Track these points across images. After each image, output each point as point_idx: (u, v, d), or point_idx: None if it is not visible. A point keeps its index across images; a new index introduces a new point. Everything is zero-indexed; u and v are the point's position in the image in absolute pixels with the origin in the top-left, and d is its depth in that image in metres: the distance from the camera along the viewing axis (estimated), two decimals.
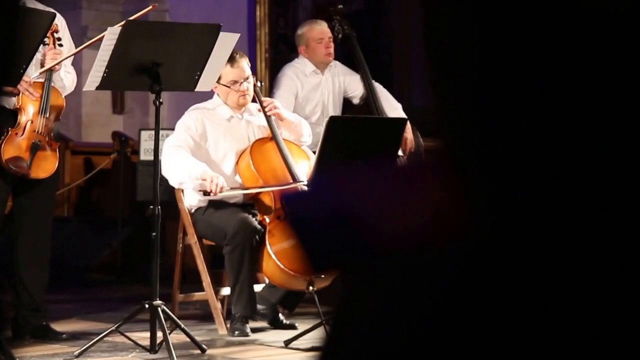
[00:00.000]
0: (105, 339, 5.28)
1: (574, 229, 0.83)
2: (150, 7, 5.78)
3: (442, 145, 0.93)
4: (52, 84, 5.64)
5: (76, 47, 5.82)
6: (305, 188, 5.81)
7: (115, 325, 5.25)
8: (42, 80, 5.62)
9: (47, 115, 5.61)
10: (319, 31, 6.90)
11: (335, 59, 7.01)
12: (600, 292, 0.84)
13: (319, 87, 6.95)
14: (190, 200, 6.07)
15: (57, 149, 5.72)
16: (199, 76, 5.48)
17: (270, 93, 7.09)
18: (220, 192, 5.71)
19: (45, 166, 5.63)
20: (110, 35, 5.18)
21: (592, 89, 0.83)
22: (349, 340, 0.89)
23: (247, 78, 6.06)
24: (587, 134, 0.83)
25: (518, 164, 0.84)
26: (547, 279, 0.84)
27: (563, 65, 0.83)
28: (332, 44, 6.90)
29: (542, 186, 0.84)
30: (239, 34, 5.70)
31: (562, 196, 0.83)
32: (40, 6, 5.62)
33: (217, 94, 6.11)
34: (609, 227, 0.83)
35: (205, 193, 5.71)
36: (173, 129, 7.96)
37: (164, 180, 5.97)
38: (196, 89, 5.55)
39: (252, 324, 5.96)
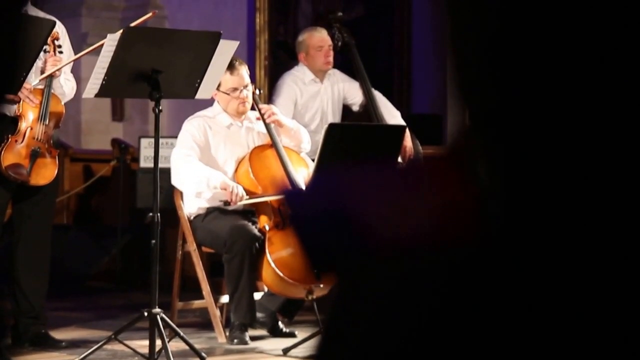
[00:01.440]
0: (104, 347, 5.27)
1: (589, 235, 0.83)
2: (150, 14, 5.78)
3: (454, 148, 0.92)
4: (52, 91, 5.64)
5: (76, 54, 5.82)
6: None
7: (114, 333, 5.25)
8: (42, 87, 5.62)
9: (47, 122, 5.62)
10: (319, 39, 6.91)
11: (335, 66, 7.01)
12: (617, 300, 0.83)
13: (318, 94, 6.96)
14: (190, 208, 6.07)
15: (57, 156, 5.72)
16: (199, 83, 5.47)
17: (269, 101, 7.10)
18: (240, 201, 5.74)
19: (45, 173, 5.63)
20: (110, 42, 5.18)
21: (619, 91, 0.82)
22: (344, 343, 0.88)
23: (247, 85, 6.07)
24: (611, 143, 0.82)
25: (536, 168, 0.83)
26: (558, 285, 0.83)
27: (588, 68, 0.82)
28: (331, 52, 6.91)
29: (559, 191, 0.83)
30: (238, 42, 5.70)
31: (580, 201, 0.83)
32: (41, 14, 5.63)
33: (217, 102, 6.11)
34: (628, 236, 0.82)
35: (226, 203, 5.75)
36: (173, 137, 7.97)
37: (164, 188, 5.97)
38: (196, 97, 5.55)
39: (251, 332, 5.96)
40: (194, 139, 5.96)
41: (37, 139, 5.60)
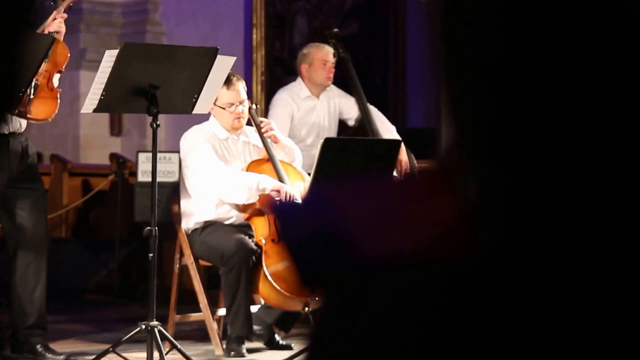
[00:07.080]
0: (101, 359, 5.30)
1: (583, 248, 0.82)
2: None
3: (446, 162, 0.90)
4: (57, 37, 5.59)
5: (74, 70, 5.83)
6: None
7: (112, 346, 5.27)
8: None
9: (47, 60, 5.57)
10: (325, 53, 6.94)
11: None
12: (619, 322, 0.81)
13: (314, 109, 6.99)
14: (187, 221, 6.09)
15: (59, 96, 5.64)
16: (196, 99, 5.51)
17: (265, 116, 7.13)
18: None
19: (45, 109, 5.58)
20: (108, 58, 5.22)
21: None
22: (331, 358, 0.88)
23: (243, 101, 6.09)
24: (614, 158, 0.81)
25: (528, 183, 0.83)
26: (553, 299, 0.82)
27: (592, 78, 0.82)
28: (333, 70, 6.94)
29: (552, 205, 0.82)
30: (235, 57, 5.74)
31: (574, 214, 0.82)
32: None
33: (214, 116, 6.14)
34: (624, 245, 0.82)
35: None
36: (170, 151, 7.99)
37: (162, 202, 5.99)
38: (193, 112, 5.59)
39: (248, 345, 5.98)
40: (208, 146, 5.96)
41: (38, 73, 5.57)
